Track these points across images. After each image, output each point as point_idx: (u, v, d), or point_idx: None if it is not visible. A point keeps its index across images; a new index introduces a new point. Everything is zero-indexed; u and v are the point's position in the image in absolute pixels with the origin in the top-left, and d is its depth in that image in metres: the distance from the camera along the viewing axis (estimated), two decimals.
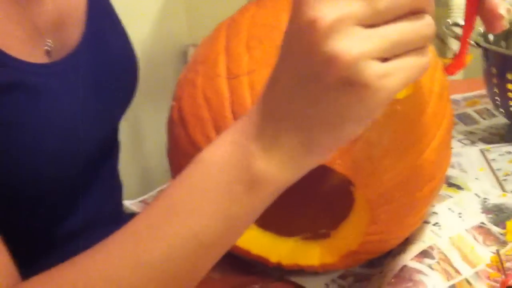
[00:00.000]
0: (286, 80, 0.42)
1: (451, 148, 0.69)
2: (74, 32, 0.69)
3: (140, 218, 0.47)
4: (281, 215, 0.72)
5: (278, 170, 0.43)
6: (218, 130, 0.60)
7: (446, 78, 0.68)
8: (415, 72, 0.41)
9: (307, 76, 0.41)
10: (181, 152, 0.64)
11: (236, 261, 0.72)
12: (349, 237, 0.66)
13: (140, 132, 1.69)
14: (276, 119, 0.43)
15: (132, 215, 0.83)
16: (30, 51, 0.62)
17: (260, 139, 0.43)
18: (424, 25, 0.41)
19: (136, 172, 1.71)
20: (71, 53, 0.67)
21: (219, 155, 0.45)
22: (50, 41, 0.65)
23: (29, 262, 0.55)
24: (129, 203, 0.88)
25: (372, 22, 0.39)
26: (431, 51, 0.65)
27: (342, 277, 0.70)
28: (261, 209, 0.46)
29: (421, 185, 0.63)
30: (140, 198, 0.90)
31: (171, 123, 0.66)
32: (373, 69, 0.39)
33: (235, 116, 0.59)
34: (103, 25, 0.74)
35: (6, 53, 0.59)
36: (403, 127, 0.60)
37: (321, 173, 0.63)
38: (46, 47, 0.65)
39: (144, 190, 0.92)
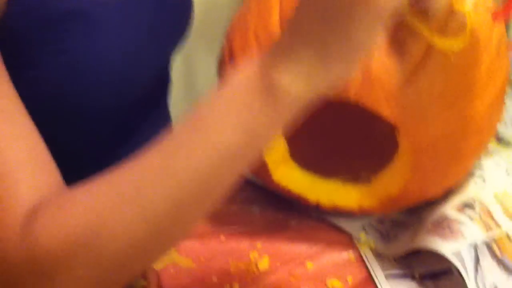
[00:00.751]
0: None
1: (505, 104, 0.68)
2: None
3: (171, 132, 0.50)
4: (323, 156, 0.73)
5: (296, 82, 0.45)
6: None
7: (505, 34, 0.66)
8: None
9: None
10: None
11: (276, 199, 0.74)
12: (390, 183, 0.66)
13: (192, 71, 1.72)
14: (294, 33, 0.45)
15: None
16: None
17: (278, 52, 0.45)
18: None
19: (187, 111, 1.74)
20: None
21: (244, 72, 0.47)
22: None
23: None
24: None
25: None
26: (491, 2, 0.64)
27: (380, 221, 0.71)
28: (280, 123, 0.47)
29: (468, 136, 0.63)
30: None
31: (221, 63, 0.66)
32: None
33: None
34: None
35: None
36: (455, 79, 0.60)
37: (368, 118, 0.63)
38: None
39: None
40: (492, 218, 0.68)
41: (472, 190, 0.71)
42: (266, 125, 0.47)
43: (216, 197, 0.50)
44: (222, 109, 0.47)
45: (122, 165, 0.50)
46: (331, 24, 0.43)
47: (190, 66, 1.69)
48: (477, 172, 0.74)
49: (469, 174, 0.73)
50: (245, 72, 0.47)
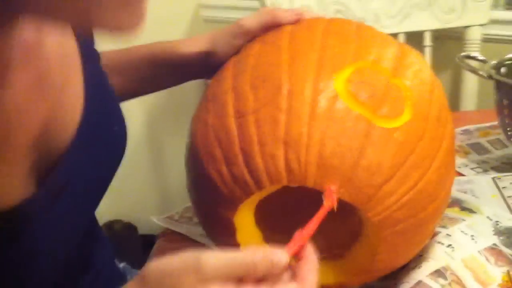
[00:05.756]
0: None
1: (455, 168, 0.72)
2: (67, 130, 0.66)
3: None
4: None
5: None
6: (229, 166, 0.64)
7: (444, 98, 0.71)
8: None
9: None
10: (198, 187, 0.69)
11: None
12: (361, 257, 0.68)
13: (162, 155, 1.95)
14: None
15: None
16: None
17: None
18: None
19: (157, 193, 1.98)
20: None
21: None
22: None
23: None
24: (156, 219, 0.94)
25: None
26: (428, 72, 0.69)
27: None
28: None
29: (425, 205, 0.66)
30: (167, 215, 0.95)
31: (187, 160, 0.70)
32: None
33: (244, 153, 0.63)
34: (101, 111, 0.72)
35: None
36: (401, 153, 0.63)
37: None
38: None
39: (165, 209, 0.98)
40: (463, 286, 0.71)
41: (442, 259, 0.73)
42: None
43: None
44: None
45: None
46: None
47: (159, 151, 1.91)
48: (446, 241, 0.77)
49: (439, 243, 0.76)
50: None
